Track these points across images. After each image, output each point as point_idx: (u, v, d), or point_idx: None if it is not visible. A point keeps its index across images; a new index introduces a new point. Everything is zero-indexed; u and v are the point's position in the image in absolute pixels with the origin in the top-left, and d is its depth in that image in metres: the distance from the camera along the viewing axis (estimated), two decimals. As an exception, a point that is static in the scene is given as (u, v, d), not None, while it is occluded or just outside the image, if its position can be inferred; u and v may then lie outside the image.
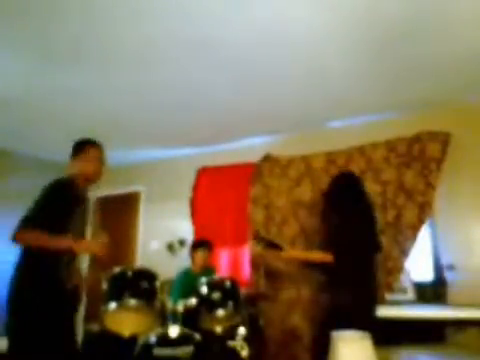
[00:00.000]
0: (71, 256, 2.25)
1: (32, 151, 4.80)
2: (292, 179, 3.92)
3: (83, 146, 2.37)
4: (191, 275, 3.51)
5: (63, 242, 2.10)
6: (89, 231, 5.36)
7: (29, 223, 2.05)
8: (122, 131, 4.20)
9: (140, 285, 2.04)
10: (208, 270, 3.56)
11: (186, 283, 3.40)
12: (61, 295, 2.16)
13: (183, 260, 3.84)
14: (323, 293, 2.71)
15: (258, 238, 3.02)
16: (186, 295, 2.60)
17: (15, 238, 2.03)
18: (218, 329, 2.26)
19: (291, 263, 3.59)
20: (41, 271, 2.12)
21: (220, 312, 2.26)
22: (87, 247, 2.24)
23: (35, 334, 2.01)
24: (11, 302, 2.09)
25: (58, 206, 2.14)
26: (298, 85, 3.14)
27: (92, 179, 2.38)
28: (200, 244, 3.72)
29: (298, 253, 2.57)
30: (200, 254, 3.64)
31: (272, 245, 2.88)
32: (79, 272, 2.46)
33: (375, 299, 2.60)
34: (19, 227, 2.05)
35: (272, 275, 3.79)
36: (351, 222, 2.59)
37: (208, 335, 2.17)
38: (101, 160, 2.40)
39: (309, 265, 2.88)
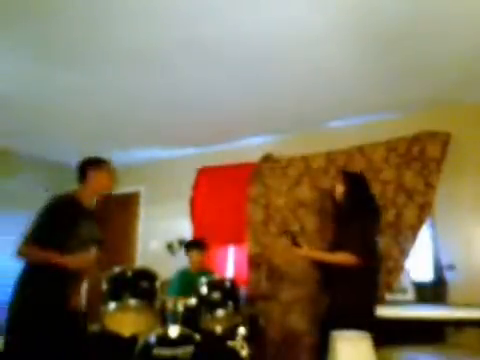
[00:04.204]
0: (75, 274, 2.33)
1: (33, 151, 4.80)
2: (292, 179, 3.92)
3: (99, 162, 2.53)
4: (189, 275, 3.53)
5: (52, 258, 2.19)
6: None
7: (29, 239, 2.22)
8: (122, 131, 4.20)
9: (140, 285, 2.04)
10: (206, 272, 3.57)
11: (184, 283, 3.42)
12: (62, 314, 2.21)
13: (183, 260, 3.84)
14: (325, 293, 2.72)
15: (287, 232, 3.03)
16: (184, 295, 2.61)
17: (17, 254, 2.21)
18: (218, 329, 2.26)
19: (293, 263, 3.60)
20: (45, 286, 2.20)
21: (220, 312, 2.26)
22: (73, 263, 2.27)
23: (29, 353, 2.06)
24: (10, 318, 2.18)
25: (57, 223, 2.26)
26: (298, 85, 3.15)
27: (103, 194, 2.60)
28: (193, 244, 3.76)
29: (320, 254, 2.61)
30: (194, 254, 3.68)
31: (295, 243, 2.93)
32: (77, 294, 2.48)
33: (377, 300, 2.66)
34: (20, 243, 2.22)
35: (272, 275, 3.79)
36: (374, 225, 2.69)
37: (208, 335, 2.17)
38: (112, 178, 2.60)
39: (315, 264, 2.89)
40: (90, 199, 2.51)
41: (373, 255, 2.60)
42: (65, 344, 2.19)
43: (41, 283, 2.21)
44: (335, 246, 2.65)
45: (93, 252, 2.38)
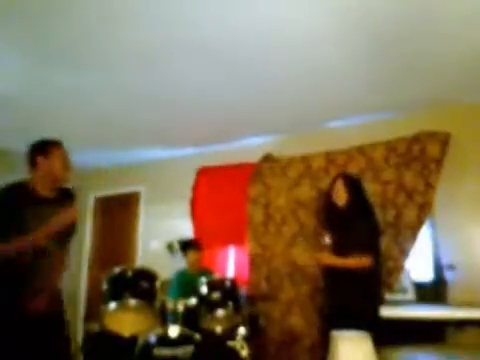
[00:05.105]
0: (37, 266, 2.10)
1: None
2: (292, 179, 3.92)
3: (46, 146, 2.23)
4: (187, 275, 3.54)
5: (23, 242, 2.02)
6: (89, 231, 5.39)
7: None
8: (122, 131, 4.20)
9: (140, 285, 2.04)
10: (204, 272, 3.57)
11: (183, 283, 3.42)
12: (20, 323, 2.00)
13: (183, 260, 3.85)
14: (329, 292, 2.75)
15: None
16: (183, 295, 2.62)
17: None
18: (218, 329, 2.26)
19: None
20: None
21: (220, 312, 2.27)
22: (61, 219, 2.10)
23: None
24: None
25: (9, 212, 2.07)
26: (298, 85, 3.14)
27: (59, 179, 2.26)
28: (189, 245, 3.77)
29: (341, 260, 2.64)
30: (191, 254, 3.70)
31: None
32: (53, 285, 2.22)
33: (381, 300, 2.72)
34: None
35: (273, 275, 3.79)
36: (377, 225, 2.74)
37: (208, 335, 2.17)
38: (66, 160, 2.30)
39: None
40: (45, 187, 2.21)
41: (378, 255, 2.62)
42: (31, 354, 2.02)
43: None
44: (340, 248, 2.64)
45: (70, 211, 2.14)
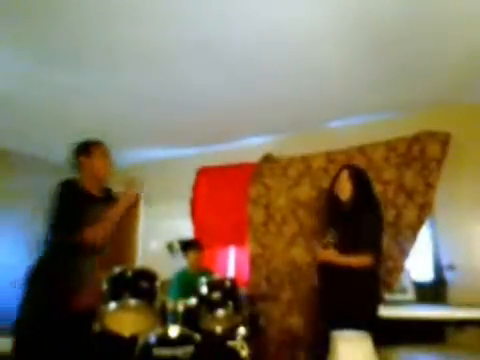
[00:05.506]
0: (88, 261, 2.29)
1: (32, 151, 4.80)
2: (292, 179, 3.92)
3: (88, 147, 2.35)
4: (188, 275, 3.54)
5: (114, 213, 2.24)
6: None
7: (75, 228, 2.11)
8: (122, 131, 4.20)
9: (140, 285, 2.03)
10: (205, 272, 3.57)
11: (184, 283, 3.42)
12: (68, 320, 2.07)
13: (183, 260, 3.85)
14: (326, 292, 2.71)
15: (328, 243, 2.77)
16: (184, 295, 2.62)
17: (87, 240, 2.14)
18: (218, 329, 2.26)
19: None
20: (53, 284, 2.12)
21: (220, 312, 2.26)
22: (129, 198, 2.33)
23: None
24: (16, 320, 2.10)
25: (69, 209, 2.17)
26: (298, 85, 3.15)
27: (102, 178, 2.39)
28: (190, 245, 3.77)
29: (336, 257, 2.56)
30: (192, 254, 3.71)
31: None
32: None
33: (380, 300, 2.67)
34: (75, 235, 2.11)
35: (273, 275, 3.79)
36: (382, 221, 2.62)
37: (208, 335, 2.17)
38: (107, 158, 2.41)
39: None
40: (93, 186, 2.33)
41: (381, 253, 2.59)
42: (74, 350, 2.08)
43: (50, 280, 2.13)
44: (344, 246, 2.57)
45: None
